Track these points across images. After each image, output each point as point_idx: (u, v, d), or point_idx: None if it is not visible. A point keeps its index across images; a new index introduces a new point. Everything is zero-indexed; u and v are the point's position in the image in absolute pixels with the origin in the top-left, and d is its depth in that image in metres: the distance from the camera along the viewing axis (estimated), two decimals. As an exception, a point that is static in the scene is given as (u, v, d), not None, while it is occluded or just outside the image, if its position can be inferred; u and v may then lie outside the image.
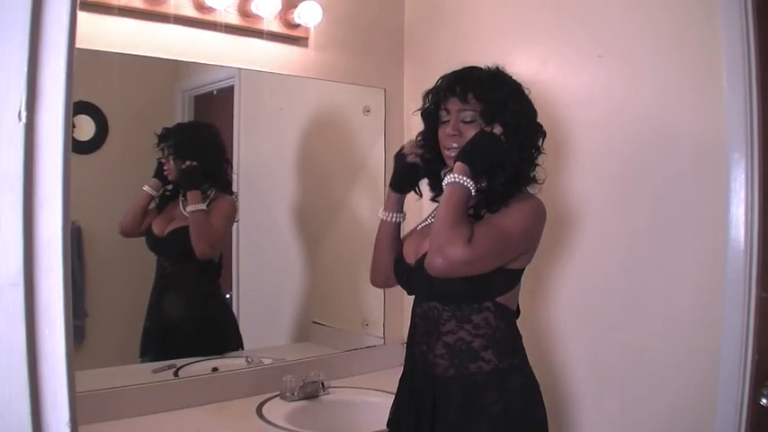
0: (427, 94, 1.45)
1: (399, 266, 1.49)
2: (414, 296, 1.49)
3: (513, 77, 1.41)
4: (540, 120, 1.42)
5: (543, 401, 1.42)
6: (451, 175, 1.32)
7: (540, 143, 1.42)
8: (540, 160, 1.42)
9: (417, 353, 1.43)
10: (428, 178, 1.53)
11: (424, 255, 1.35)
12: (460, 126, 1.37)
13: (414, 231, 1.55)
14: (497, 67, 1.42)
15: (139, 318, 1.92)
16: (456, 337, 1.37)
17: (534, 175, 1.42)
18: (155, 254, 1.96)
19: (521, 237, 1.35)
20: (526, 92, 1.41)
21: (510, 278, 1.39)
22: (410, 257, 1.45)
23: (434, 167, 1.49)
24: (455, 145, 1.38)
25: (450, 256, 1.25)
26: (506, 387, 1.36)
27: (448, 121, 1.39)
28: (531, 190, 1.42)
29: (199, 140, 2.03)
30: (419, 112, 1.47)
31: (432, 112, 1.44)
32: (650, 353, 1.65)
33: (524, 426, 1.38)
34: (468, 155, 1.33)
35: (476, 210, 1.37)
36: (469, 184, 1.31)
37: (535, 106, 1.42)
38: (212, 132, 2.05)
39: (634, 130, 1.68)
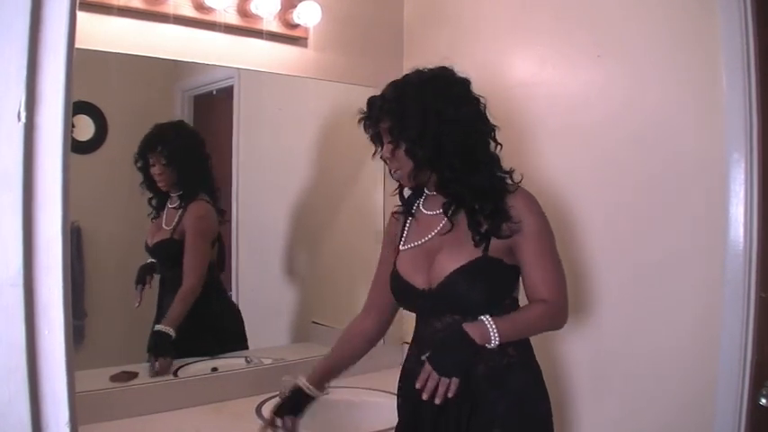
0: (359, 121, 1.45)
1: (406, 293, 1.42)
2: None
3: (428, 71, 1.39)
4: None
5: (549, 396, 1.42)
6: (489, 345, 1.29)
7: (480, 122, 1.37)
8: (499, 136, 1.39)
9: None
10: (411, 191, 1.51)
11: (445, 278, 1.33)
12: (390, 148, 1.38)
13: (408, 248, 1.45)
14: (416, 69, 1.41)
15: (139, 318, 1.92)
16: None
17: (496, 156, 1.39)
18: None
19: (549, 231, 1.38)
20: (454, 76, 1.40)
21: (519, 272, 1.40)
22: (419, 281, 1.39)
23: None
24: (395, 169, 1.40)
25: (563, 321, 1.41)
26: (519, 381, 1.36)
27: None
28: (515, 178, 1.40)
29: (186, 144, 1.98)
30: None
31: (375, 137, 1.45)
32: (650, 353, 1.65)
33: (532, 419, 1.38)
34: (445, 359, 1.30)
35: (481, 235, 1.33)
36: (491, 329, 1.28)
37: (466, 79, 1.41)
38: (191, 133, 2.00)
39: (633, 130, 1.68)
